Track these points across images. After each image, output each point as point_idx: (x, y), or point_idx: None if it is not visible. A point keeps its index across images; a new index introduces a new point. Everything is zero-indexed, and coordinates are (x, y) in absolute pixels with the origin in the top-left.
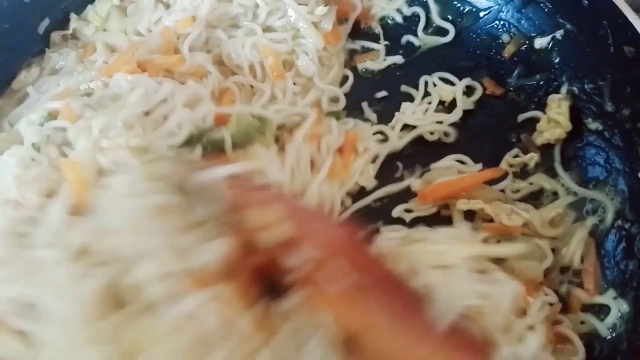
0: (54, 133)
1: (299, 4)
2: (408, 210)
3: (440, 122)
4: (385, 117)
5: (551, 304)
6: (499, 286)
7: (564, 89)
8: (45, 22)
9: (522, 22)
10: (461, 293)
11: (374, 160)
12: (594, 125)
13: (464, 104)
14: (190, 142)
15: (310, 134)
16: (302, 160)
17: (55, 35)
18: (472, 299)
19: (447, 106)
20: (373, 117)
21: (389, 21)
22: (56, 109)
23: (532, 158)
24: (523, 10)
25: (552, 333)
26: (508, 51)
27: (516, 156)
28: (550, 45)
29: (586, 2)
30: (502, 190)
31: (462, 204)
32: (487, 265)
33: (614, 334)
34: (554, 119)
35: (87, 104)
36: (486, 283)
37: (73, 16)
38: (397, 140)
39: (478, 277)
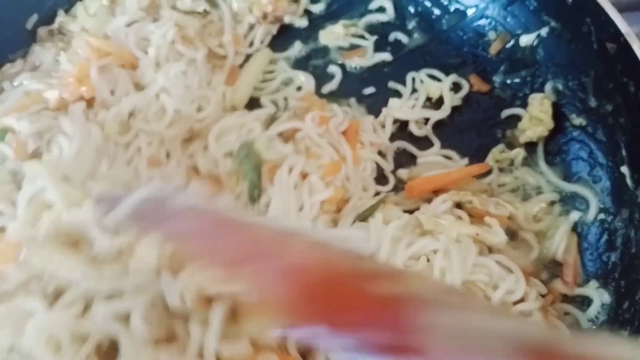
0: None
1: None
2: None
3: (428, 119)
4: (373, 113)
5: (542, 295)
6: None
7: (548, 85)
8: (34, 18)
9: (508, 19)
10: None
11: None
12: (577, 120)
13: (452, 100)
14: None
15: (319, 117)
16: None
17: (42, 30)
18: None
19: (435, 102)
20: (362, 112)
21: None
22: (9, 126)
23: (519, 154)
24: (509, 8)
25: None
26: (494, 48)
27: (502, 151)
28: (536, 42)
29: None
30: (488, 184)
31: (453, 195)
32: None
33: (595, 325)
34: (536, 117)
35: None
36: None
37: (61, 12)
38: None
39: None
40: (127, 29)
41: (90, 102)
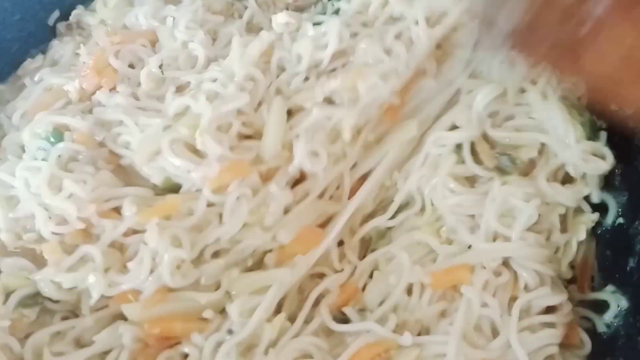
0: (64, 152)
1: None
2: None
3: None
4: None
5: None
6: None
7: None
8: (56, 14)
9: None
10: None
11: None
12: (598, 122)
13: None
14: None
15: None
16: None
17: (61, 25)
18: None
19: None
20: None
21: None
22: (61, 124)
23: None
24: None
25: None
26: None
27: None
28: None
29: None
30: None
31: None
32: None
33: (612, 330)
34: None
35: (96, 121)
36: None
37: (80, 7)
38: None
39: None
40: (142, 13)
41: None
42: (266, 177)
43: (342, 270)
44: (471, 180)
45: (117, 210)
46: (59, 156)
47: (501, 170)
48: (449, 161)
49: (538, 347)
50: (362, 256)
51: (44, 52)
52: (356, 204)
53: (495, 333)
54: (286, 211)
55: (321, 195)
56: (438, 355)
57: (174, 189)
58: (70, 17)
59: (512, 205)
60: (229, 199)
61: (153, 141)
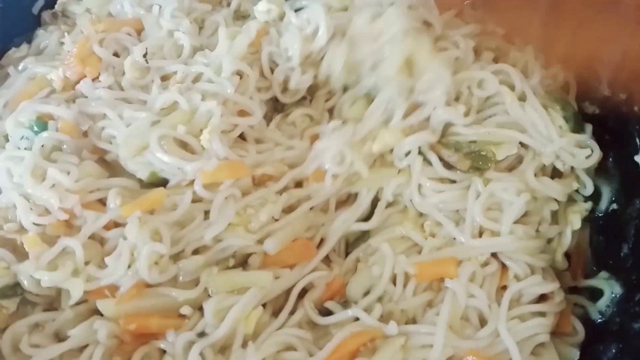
0: (47, 142)
1: None
2: None
3: None
4: None
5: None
6: None
7: None
8: (40, 3)
9: None
10: None
11: None
12: (590, 109)
13: None
14: None
15: None
16: None
17: (46, 14)
18: None
19: None
20: None
21: None
22: (45, 113)
23: None
24: None
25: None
26: None
27: None
28: None
29: None
30: None
31: None
32: None
33: (605, 316)
34: None
35: (81, 110)
36: None
37: None
38: None
39: None
40: (127, 1)
41: (95, 80)
42: (259, 182)
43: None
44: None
45: (102, 201)
46: (43, 146)
47: (477, 169)
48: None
49: (528, 335)
50: (344, 255)
51: (28, 41)
52: (345, 218)
53: (483, 322)
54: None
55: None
56: (425, 346)
57: (160, 183)
58: (56, 6)
59: (499, 199)
60: (218, 196)
61: (140, 136)
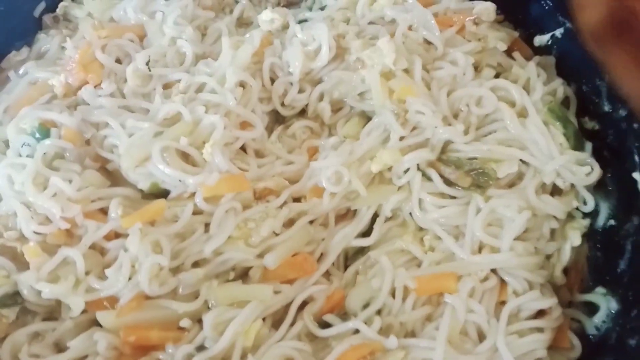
0: (49, 149)
1: None
2: None
3: None
4: None
5: None
6: None
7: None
8: (42, 6)
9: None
10: None
11: None
12: (590, 124)
13: None
14: None
15: None
16: None
17: (47, 18)
18: None
19: None
20: None
21: None
22: (48, 120)
23: None
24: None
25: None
26: None
27: None
28: (550, 42)
29: None
30: None
31: None
32: None
33: (601, 332)
34: None
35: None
36: None
37: (67, 0)
38: None
39: None
40: (131, 7)
41: (96, 86)
42: (260, 196)
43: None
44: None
45: (103, 210)
46: (45, 153)
47: (479, 187)
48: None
49: (526, 351)
50: (344, 268)
51: (29, 44)
52: (345, 234)
53: (482, 337)
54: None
55: (312, 221)
56: None
57: (161, 193)
58: (57, 10)
59: (500, 215)
60: (219, 210)
61: (142, 147)
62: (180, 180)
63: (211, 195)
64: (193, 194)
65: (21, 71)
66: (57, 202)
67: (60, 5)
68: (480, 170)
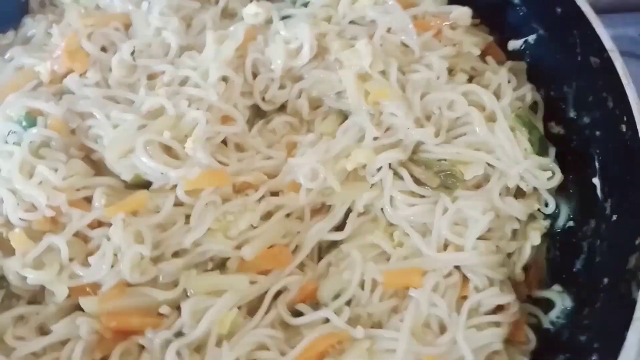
0: (36, 138)
1: None
2: None
3: None
4: None
5: None
6: None
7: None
8: None
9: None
10: None
11: None
12: (556, 129)
13: None
14: None
15: None
16: None
17: (34, 2)
18: None
19: None
20: None
21: None
22: (35, 109)
23: None
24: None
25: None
26: None
27: None
28: (523, 47)
29: (559, 10)
30: None
31: None
32: None
33: (556, 327)
34: None
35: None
36: None
37: None
38: None
39: None
40: None
41: (82, 75)
42: (239, 189)
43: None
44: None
45: (87, 199)
46: (31, 142)
47: (446, 188)
48: (389, 180)
49: (483, 344)
50: (317, 259)
51: (15, 28)
52: (320, 228)
53: (443, 330)
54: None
55: (288, 214)
56: (388, 351)
57: (144, 184)
58: None
59: (465, 215)
60: (199, 203)
61: (126, 140)
62: (162, 173)
63: (192, 189)
64: (174, 187)
65: (7, 56)
66: (43, 190)
67: None
68: (449, 172)
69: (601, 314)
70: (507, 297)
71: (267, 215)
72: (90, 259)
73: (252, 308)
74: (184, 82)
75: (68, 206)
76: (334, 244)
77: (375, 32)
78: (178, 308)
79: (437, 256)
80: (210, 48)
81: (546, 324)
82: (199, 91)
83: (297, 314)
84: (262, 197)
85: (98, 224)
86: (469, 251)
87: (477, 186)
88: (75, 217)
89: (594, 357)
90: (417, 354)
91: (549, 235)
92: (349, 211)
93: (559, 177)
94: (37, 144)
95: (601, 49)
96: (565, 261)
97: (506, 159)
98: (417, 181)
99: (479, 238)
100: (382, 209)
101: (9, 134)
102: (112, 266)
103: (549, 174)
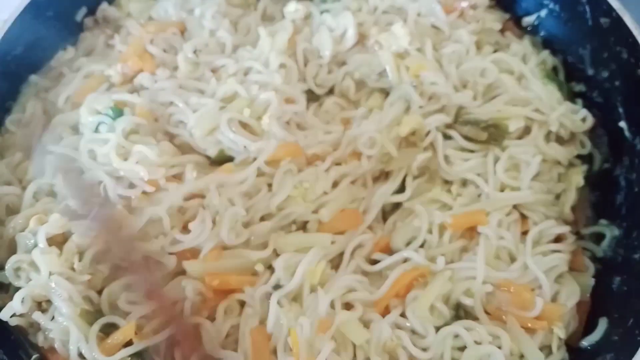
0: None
1: None
2: None
3: None
4: None
5: None
6: None
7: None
8: (83, 11)
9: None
10: None
11: None
12: (577, 87)
13: None
14: None
15: None
16: None
17: (88, 20)
18: None
19: None
20: None
21: None
22: (121, 100)
23: None
24: None
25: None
26: None
27: None
28: (537, 22)
29: None
30: None
31: None
32: None
33: (609, 254)
34: None
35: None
36: None
37: (104, 3)
38: None
39: None
40: (171, 5)
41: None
42: (310, 161)
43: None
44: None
45: (177, 177)
46: (123, 128)
47: (494, 140)
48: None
49: (550, 267)
50: (383, 222)
51: (73, 44)
52: (382, 192)
53: (513, 260)
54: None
55: (353, 181)
56: (468, 278)
57: (226, 160)
58: (97, 12)
59: (517, 161)
60: (279, 171)
61: (210, 119)
62: (245, 147)
63: (271, 160)
64: (254, 160)
65: (74, 67)
66: (143, 166)
67: (100, 8)
68: (493, 126)
69: None
70: (563, 228)
71: (334, 184)
72: (190, 225)
73: (334, 265)
74: (246, 72)
75: (164, 180)
76: (397, 206)
77: (407, 17)
78: (269, 267)
79: (497, 196)
80: (265, 41)
81: (599, 254)
82: (264, 76)
83: (375, 264)
84: (329, 167)
85: (191, 196)
86: (525, 190)
87: (520, 138)
88: (172, 189)
89: None
90: (494, 278)
91: (588, 178)
92: (405, 175)
93: (590, 119)
94: (127, 131)
95: (609, 9)
96: (607, 198)
97: (544, 108)
98: (467, 138)
99: (532, 180)
100: (437, 169)
101: (99, 125)
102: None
103: (582, 115)
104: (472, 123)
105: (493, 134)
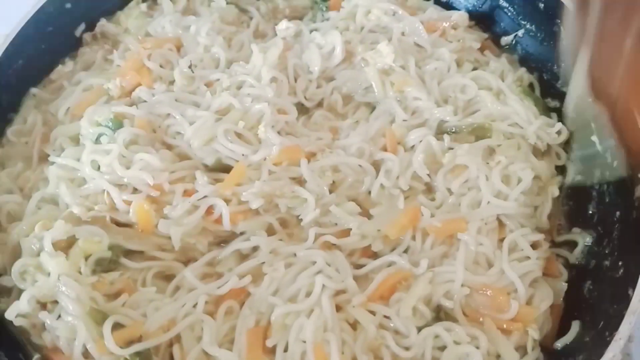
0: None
1: None
2: None
3: None
4: None
5: None
6: None
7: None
8: (82, 27)
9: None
10: None
11: None
12: (553, 103)
13: None
14: None
15: None
16: None
17: (87, 36)
18: None
19: None
20: None
21: None
22: (121, 112)
23: None
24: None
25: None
26: None
27: None
28: (514, 42)
29: (541, 5)
30: None
31: None
32: None
33: (582, 260)
34: None
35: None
36: None
37: (103, 19)
38: None
39: None
40: (168, 22)
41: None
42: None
43: None
44: None
45: (180, 180)
46: (124, 139)
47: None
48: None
49: (525, 272)
50: None
51: (72, 58)
52: None
53: (490, 265)
54: None
55: None
56: (448, 281)
57: (223, 169)
58: (96, 28)
59: (508, 172)
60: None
61: (207, 130)
62: (243, 155)
63: (276, 162)
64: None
65: (74, 80)
66: (147, 172)
67: (98, 24)
68: (480, 128)
69: (619, 240)
70: (538, 236)
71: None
72: None
73: None
74: (239, 85)
75: (169, 185)
76: None
77: (392, 36)
78: None
79: (484, 204)
80: (257, 56)
81: (572, 260)
82: (256, 90)
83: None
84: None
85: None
86: (512, 202)
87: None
88: (178, 191)
89: (621, 271)
90: (472, 282)
91: (562, 190)
92: None
93: (565, 132)
94: (128, 141)
95: None
96: (579, 208)
97: (521, 122)
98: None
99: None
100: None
101: (99, 137)
102: None
103: (557, 129)
104: (457, 132)
105: (480, 135)
